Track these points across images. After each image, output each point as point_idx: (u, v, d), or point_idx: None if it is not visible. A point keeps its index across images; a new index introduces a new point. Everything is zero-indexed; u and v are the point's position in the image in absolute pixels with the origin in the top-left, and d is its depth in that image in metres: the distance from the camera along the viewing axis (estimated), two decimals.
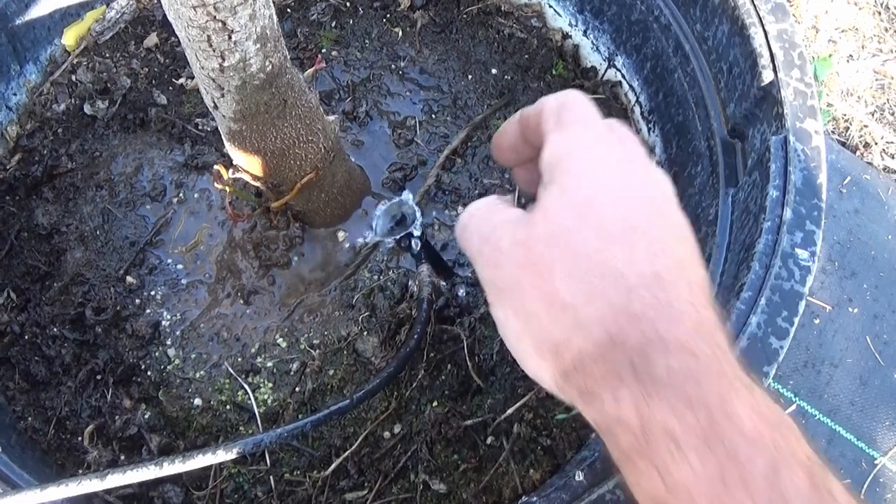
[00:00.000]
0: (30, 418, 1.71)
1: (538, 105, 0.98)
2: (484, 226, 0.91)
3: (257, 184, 1.68)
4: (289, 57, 1.47)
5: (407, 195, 1.58)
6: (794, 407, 2.27)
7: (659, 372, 0.72)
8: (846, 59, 2.81)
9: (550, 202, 0.84)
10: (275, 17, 1.37)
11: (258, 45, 1.34)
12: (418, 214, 1.58)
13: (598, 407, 0.77)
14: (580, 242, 0.80)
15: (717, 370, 0.72)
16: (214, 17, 1.23)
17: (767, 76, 1.52)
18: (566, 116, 0.93)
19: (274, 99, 1.46)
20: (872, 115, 2.71)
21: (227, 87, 1.39)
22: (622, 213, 0.81)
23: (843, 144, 2.66)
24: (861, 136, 2.67)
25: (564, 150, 0.89)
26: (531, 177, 0.99)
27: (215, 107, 1.46)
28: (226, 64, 1.33)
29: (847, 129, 2.68)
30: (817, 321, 2.39)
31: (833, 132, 2.69)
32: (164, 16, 2.03)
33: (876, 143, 2.66)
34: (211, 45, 1.29)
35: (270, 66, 1.39)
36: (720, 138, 1.70)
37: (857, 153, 2.66)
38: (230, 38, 1.28)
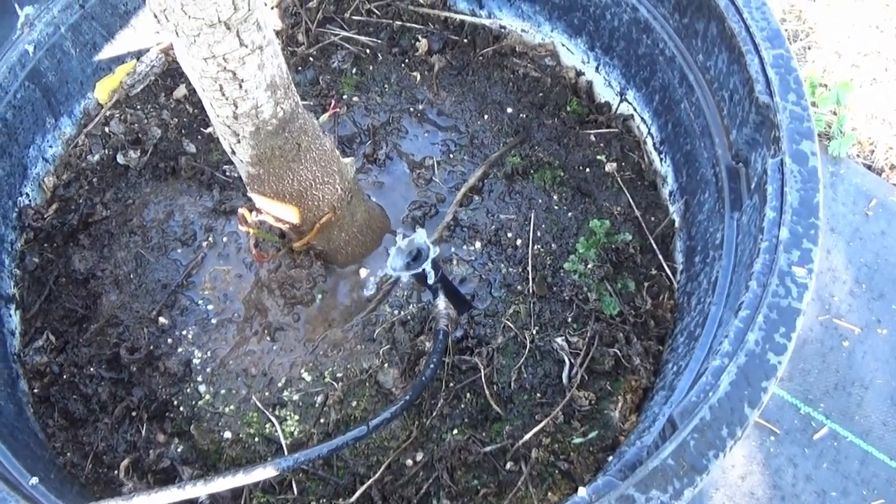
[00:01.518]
0: (68, 454, 1.79)
1: None
2: None
3: (280, 225, 1.75)
4: (300, 103, 1.54)
5: (420, 232, 1.65)
6: (825, 430, 2.27)
7: None
8: (869, 83, 2.82)
9: None
10: (284, 65, 1.44)
11: (269, 93, 1.41)
12: (432, 250, 1.64)
13: None
14: None
15: None
16: (224, 67, 1.31)
17: (764, 101, 1.56)
18: None
19: (288, 143, 1.53)
20: None
21: (242, 133, 1.47)
22: None
23: (869, 167, 2.67)
24: (887, 158, 2.68)
25: None
26: None
27: (233, 152, 1.54)
28: (239, 111, 1.41)
29: (872, 152, 2.69)
30: (846, 343, 2.39)
31: (858, 156, 2.70)
32: None
33: None
34: (223, 94, 1.37)
35: (282, 112, 1.47)
36: (725, 165, 1.74)
37: (883, 175, 2.66)
38: (241, 86, 1.36)
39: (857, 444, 2.28)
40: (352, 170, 1.77)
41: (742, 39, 1.64)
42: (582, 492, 1.23)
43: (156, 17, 1.24)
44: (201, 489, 1.37)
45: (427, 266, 1.62)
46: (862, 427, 2.30)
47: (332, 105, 1.86)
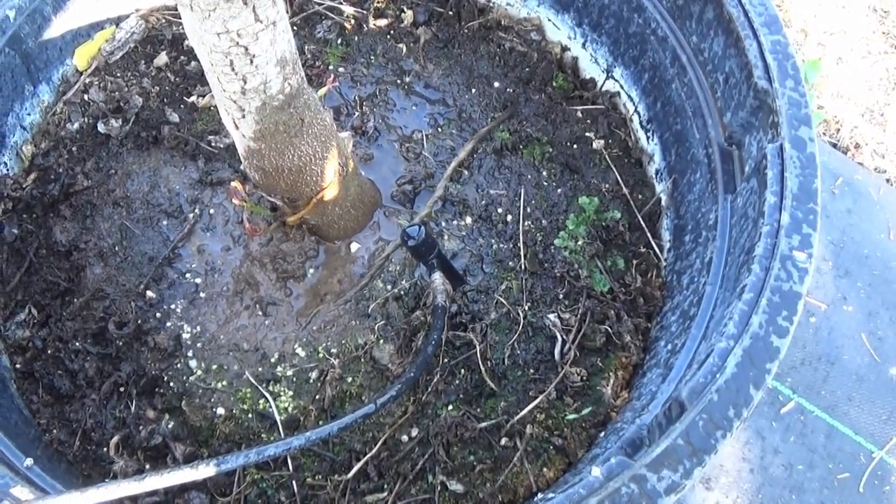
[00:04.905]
0: (55, 431, 1.75)
1: None
2: None
3: (274, 199, 1.73)
4: (305, 78, 1.52)
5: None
6: (792, 404, 2.32)
7: None
8: (836, 62, 2.88)
9: None
10: (293, 41, 1.42)
11: (278, 68, 1.39)
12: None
13: None
14: None
15: None
16: (237, 42, 1.29)
17: (763, 86, 1.58)
18: None
19: (292, 119, 1.51)
20: (863, 115, 2.78)
21: (247, 109, 1.44)
22: None
23: (835, 146, 2.73)
24: (852, 137, 2.74)
25: None
26: None
27: (236, 127, 1.52)
28: (247, 87, 1.39)
29: (838, 130, 2.74)
30: (813, 319, 2.45)
31: (824, 134, 2.75)
32: (174, 35, 2.10)
33: (867, 144, 2.73)
34: (233, 70, 1.35)
35: (289, 88, 1.45)
36: (718, 146, 1.76)
37: (849, 154, 2.72)
38: (252, 62, 1.34)
39: (823, 419, 2.34)
40: (349, 144, 1.75)
41: (740, 24, 1.65)
42: (596, 471, 1.25)
43: None
44: (212, 469, 1.36)
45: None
46: (828, 402, 2.36)
47: (330, 79, 1.84)
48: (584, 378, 1.80)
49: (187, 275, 1.92)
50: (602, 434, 1.75)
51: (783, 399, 2.34)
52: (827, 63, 2.87)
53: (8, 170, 1.99)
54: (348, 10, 2.22)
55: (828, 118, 2.76)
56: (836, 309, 2.47)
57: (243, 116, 1.47)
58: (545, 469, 1.72)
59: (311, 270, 1.92)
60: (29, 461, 1.50)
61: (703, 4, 1.76)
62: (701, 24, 1.79)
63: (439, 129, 2.11)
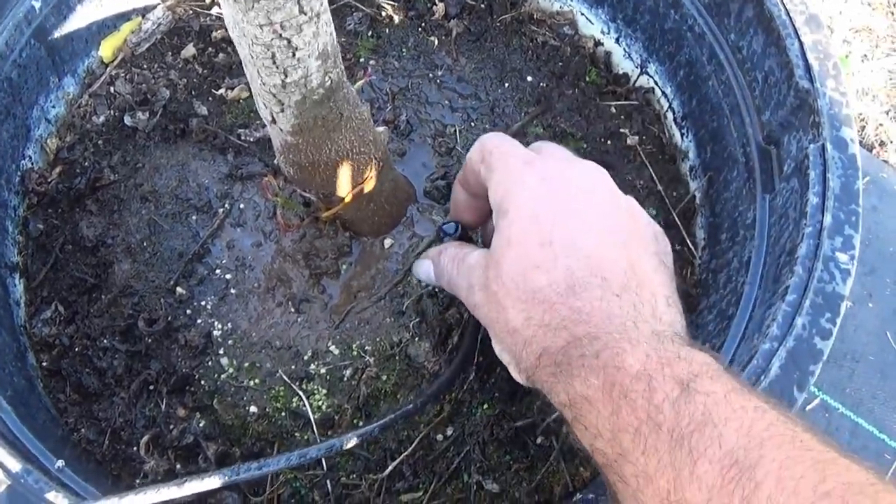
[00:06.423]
0: (83, 430, 1.73)
1: (466, 163, 1.30)
2: (461, 280, 1.24)
3: (308, 194, 1.71)
4: (344, 71, 1.50)
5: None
6: (817, 401, 2.32)
7: (574, 361, 0.97)
8: (861, 59, 2.86)
9: (495, 244, 1.13)
10: (334, 33, 1.40)
11: (320, 62, 1.37)
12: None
13: (552, 399, 1.05)
14: (515, 274, 1.08)
15: (617, 339, 0.96)
16: (280, 34, 1.27)
17: (804, 86, 1.57)
18: (490, 161, 1.21)
19: (331, 113, 1.49)
20: (887, 113, 2.77)
21: (287, 102, 1.42)
22: (543, 237, 1.07)
23: (860, 144, 2.71)
24: (877, 134, 2.73)
25: (499, 193, 1.16)
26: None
27: (273, 121, 1.50)
28: (288, 80, 1.36)
29: (863, 128, 2.73)
30: None
31: None
32: (201, 26, 2.07)
33: (892, 142, 2.72)
34: (275, 63, 1.32)
35: (329, 81, 1.43)
36: (756, 145, 1.74)
37: (874, 152, 2.71)
38: (294, 55, 1.32)
39: (848, 416, 2.33)
40: (385, 138, 1.73)
41: (781, 23, 1.63)
42: None
43: None
44: (255, 472, 1.35)
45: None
46: (852, 399, 2.35)
47: (367, 73, 1.81)
48: None
49: (217, 271, 1.90)
50: None
51: (808, 396, 2.32)
52: (852, 60, 2.85)
53: (32, 164, 1.96)
54: (379, 1, 2.19)
55: (853, 116, 2.76)
56: (862, 306, 2.46)
57: (282, 110, 1.45)
58: (581, 468, 1.70)
59: (345, 267, 1.89)
60: (60, 463, 1.48)
61: (743, 2, 1.74)
62: (740, 22, 1.77)
63: (472, 124, 2.08)
